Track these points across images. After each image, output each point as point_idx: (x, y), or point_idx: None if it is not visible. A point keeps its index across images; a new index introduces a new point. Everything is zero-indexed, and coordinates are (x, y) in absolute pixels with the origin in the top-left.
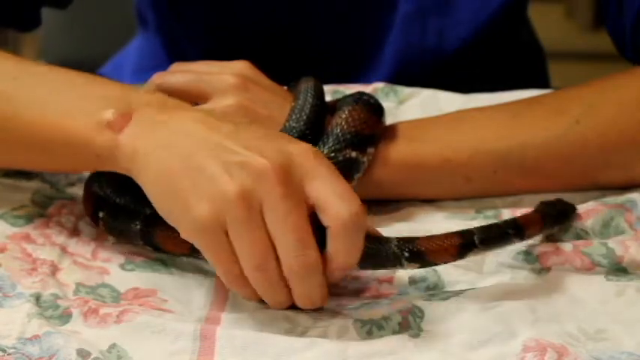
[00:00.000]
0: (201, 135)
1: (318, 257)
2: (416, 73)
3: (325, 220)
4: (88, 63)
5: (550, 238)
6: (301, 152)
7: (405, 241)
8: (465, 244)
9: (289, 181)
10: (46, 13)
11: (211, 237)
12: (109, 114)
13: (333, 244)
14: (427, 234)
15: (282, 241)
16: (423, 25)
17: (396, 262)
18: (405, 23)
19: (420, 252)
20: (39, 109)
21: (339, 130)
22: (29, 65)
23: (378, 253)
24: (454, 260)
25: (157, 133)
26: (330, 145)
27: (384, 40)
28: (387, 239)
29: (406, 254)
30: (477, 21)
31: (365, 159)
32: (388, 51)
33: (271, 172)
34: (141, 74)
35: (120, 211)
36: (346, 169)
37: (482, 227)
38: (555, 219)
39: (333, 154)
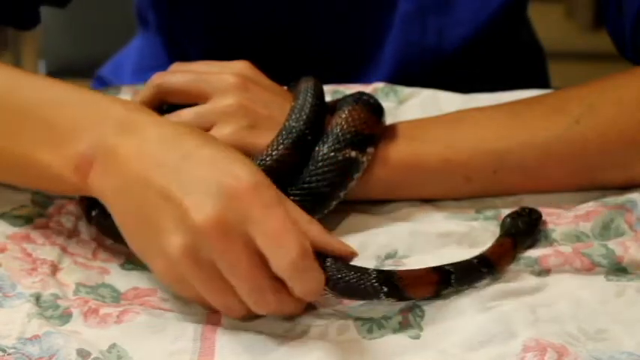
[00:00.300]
0: (148, 177)
1: (277, 297)
2: (416, 72)
3: (271, 267)
4: (88, 63)
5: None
6: (239, 191)
7: (385, 275)
8: (442, 282)
9: (229, 232)
10: (46, 13)
11: (175, 285)
12: (75, 157)
13: (288, 284)
14: (426, 234)
15: (238, 290)
16: (422, 24)
17: (374, 295)
18: (405, 22)
19: (399, 287)
20: (10, 139)
21: (338, 130)
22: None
23: (358, 285)
24: (430, 296)
25: (115, 174)
26: (330, 144)
27: (384, 40)
28: (367, 272)
29: (385, 289)
30: (476, 20)
31: (364, 159)
32: (388, 50)
33: (210, 228)
34: (141, 74)
35: None
36: (346, 169)
37: (458, 266)
38: (526, 233)
39: (332, 154)
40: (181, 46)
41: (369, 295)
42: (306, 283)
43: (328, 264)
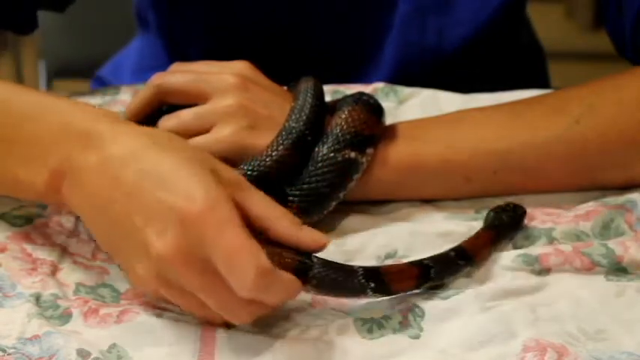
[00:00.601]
0: (110, 200)
1: (248, 310)
2: (416, 72)
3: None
4: (88, 63)
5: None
6: (193, 214)
7: (372, 271)
8: (422, 276)
9: (189, 258)
10: (46, 14)
11: (152, 295)
12: (46, 173)
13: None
14: (426, 234)
15: (210, 306)
16: (422, 24)
17: (361, 291)
18: (405, 22)
19: (385, 283)
20: None
21: (338, 131)
22: None
23: (345, 283)
24: (412, 290)
25: (81, 192)
26: (330, 145)
27: (384, 40)
28: (353, 269)
29: (372, 284)
30: (476, 21)
31: (364, 159)
32: (388, 51)
33: (170, 256)
34: (140, 74)
35: None
36: (345, 170)
37: (437, 259)
38: (509, 227)
39: (332, 155)
40: (181, 46)
41: (356, 292)
42: (275, 295)
43: (314, 261)
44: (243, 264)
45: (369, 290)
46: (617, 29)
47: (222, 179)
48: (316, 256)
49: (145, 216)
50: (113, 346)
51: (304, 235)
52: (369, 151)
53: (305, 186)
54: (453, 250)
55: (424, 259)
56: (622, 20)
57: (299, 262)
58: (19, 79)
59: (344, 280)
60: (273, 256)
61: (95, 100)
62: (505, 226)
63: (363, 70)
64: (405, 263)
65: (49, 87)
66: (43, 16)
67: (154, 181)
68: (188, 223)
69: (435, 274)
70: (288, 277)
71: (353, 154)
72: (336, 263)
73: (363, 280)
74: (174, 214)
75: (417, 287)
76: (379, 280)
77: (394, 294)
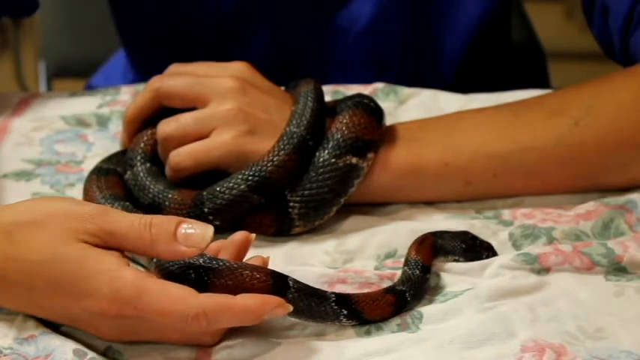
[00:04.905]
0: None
1: (206, 337)
2: (397, 64)
3: None
4: (88, 63)
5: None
6: (111, 310)
7: (344, 299)
8: (398, 302)
9: (133, 333)
10: (46, 14)
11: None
12: None
13: None
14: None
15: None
16: (401, 15)
17: (334, 317)
18: (383, 13)
19: (358, 310)
20: None
21: (339, 136)
22: None
23: (318, 309)
24: (389, 317)
25: None
26: (330, 150)
27: (359, 31)
28: (326, 295)
29: (344, 311)
30: (463, 14)
31: (365, 164)
32: (362, 40)
33: (115, 339)
34: (128, 75)
35: None
36: (346, 176)
37: (411, 283)
38: (447, 249)
39: (333, 160)
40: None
41: (330, 318)
42: (228, 323)
43: (290, 284)
44: (176, 319)
45: (342, 317)
46: (605, 34)
47: (89, 234)
48: (292, 281)
49: (68, 320)
50: (109, 348)
51: (182, 249)
52: (370, 155)
53: (306, 192)
54: (418, 269)
55: (397, 284)
56: (608, 25)
57: (272, 287)
58: (19, 79)
59: (317, 306)
60: (245, 278)
61: (95, 100)
62: (445, 247)
63: (336, 59)
64: (379, 290)
65: (49, 87)
66: (44, 16)
67: (52, 290)
68: (108, 316)
69: (410, 297)
70: (240, 306)
71: (354, 160)
72: (312, 288)
73: (335, 307)
74: (92, 315)
75: (394, 314)
76: (351, 307)
77: (368, 322)
